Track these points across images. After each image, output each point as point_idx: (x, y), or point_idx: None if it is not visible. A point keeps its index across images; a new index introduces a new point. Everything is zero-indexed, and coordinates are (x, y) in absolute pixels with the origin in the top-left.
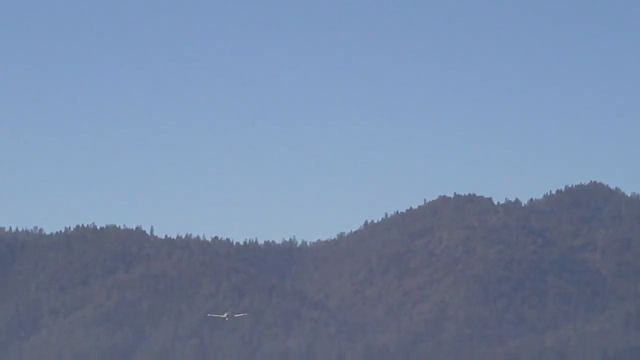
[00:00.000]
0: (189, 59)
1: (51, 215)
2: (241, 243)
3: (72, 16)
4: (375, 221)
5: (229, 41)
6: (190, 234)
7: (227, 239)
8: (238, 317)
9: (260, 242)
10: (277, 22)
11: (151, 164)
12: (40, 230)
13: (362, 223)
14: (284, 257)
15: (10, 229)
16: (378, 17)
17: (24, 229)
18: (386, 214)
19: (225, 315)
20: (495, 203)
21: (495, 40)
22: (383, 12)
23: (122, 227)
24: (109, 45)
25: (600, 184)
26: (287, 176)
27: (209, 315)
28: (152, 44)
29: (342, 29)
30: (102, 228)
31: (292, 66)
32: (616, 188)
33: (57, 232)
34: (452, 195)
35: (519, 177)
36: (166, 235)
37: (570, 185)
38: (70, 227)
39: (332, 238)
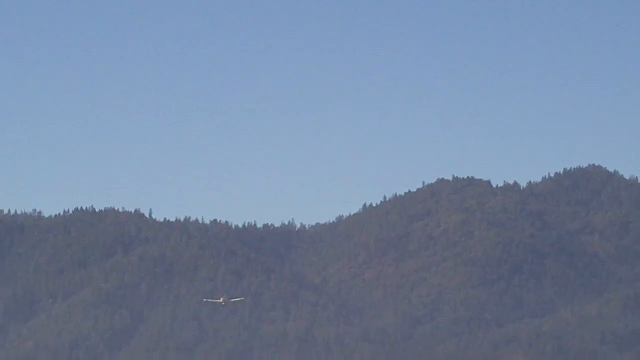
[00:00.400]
0: (188, 46)
1: (50, 198)
2: (240, 226)
3: (71, 15)
4: (374, 204)
5: (230, 28)
6: (189, 217)
7: (226, 222)
8: (235, 301)
9: (259, 225)
10: (281, 15)
11: (150, 147)
12: (39, 213)
13: (360, 206)
14: (282, 240)
15: (9, 211)
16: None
17: (23, 211)
18: (385, 197)
19: (221, 300)
20: (494, 186)
21: (494, 24)
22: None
23: (120, 210)
24: (114, 32)
25: (599, 167)
26: (286, 159)
27: (205, 300)
28: (155, 28)
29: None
30: (100, 211)
31: (291, 54)
32: (615, 171)
33: (56, 215)
34: (450, 179)
35: (518, 160)
36: (165, 219)
37: (568, 169)
38: (69, 210)
39: (331, 221)
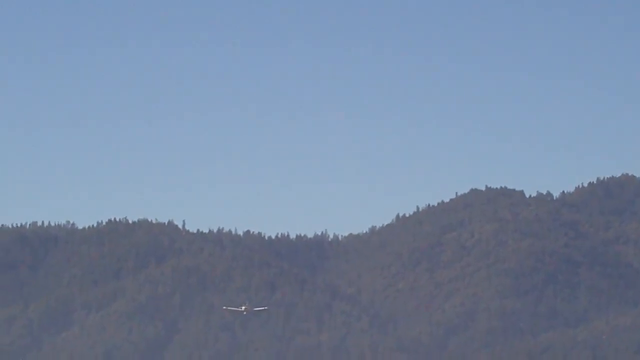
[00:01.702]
0: (207, 55)
1: (84, 209)
2: (273, 237)
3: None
4: (407, 214)
5: (247, 36)
6: (222, 228)
7: (259, 233)
8: (258, 310)
9: (292, 236)
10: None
11: (183, 159)
12: (73, 224)
13: (393, 216)
14: (315, 250)
15: (43, 223)
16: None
17: (57, 223)
18: (418, 207)
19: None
20: (527, 196)
21: (523, 32)
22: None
23: (154, 221)
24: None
25: (632, 176)
26: (319, 170)
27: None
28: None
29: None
30: (134, 222)
31: (318, 58)
32: None
33: (89, 227)
34: (483, 188)
35: (551, 170)
36: (198, 229)
37: (602, 178)
38: (102, 222)
39: (364, 232)
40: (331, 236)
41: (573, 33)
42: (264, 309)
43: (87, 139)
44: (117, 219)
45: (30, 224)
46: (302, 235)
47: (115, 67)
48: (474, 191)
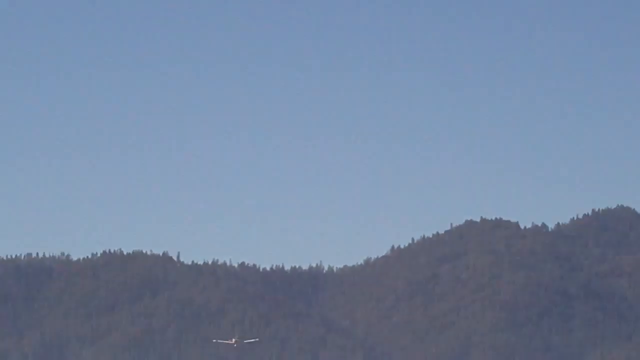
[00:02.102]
0: (214, 83)
1: (78, 241)
2: (267, 269)
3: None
4: (402, 246)
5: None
6: (217, 260)
7: (254, 265)
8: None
9: (287, 267)
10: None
11: (178, 190)
12: (68, 256)
13: (388, 248)
14: (310, 283)
15: (38, 254)
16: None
17: (52, 255)
18: (412, 239)
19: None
20: (522, 227)
21: (519, 66)
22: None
23: (148, 253)
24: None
25: (628, 208)
26: (313, 202)
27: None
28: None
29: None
30: (128, 254)
31: (318, 86)
32: None
33: (84, 258)
34: (478, 220)
35: (546, 202)
36: (193, 261)
37: (597, 210)
38: (97, 253)
39: (359, 263)
40: (326, 268)
41: (567, 64)
42: (255, 341)
43: (82, 171)
44: (112, 251)
45: (25, 256)
46: (297, 267)
47: (107, 97)
48: (469, 223)
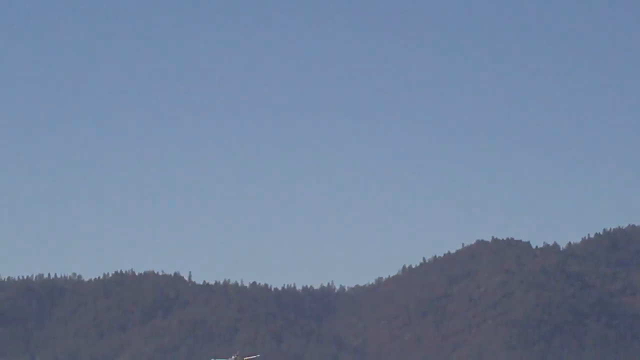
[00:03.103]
0: (231, 105)
1: (90, 261)
2: (279, 288)
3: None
4: (413, 266)
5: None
6: (229, 280)
7: (265, 285)
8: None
9: (299, 287)
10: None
11: (189, 211)
12: (79, 276)
13: (400, 268)
14: (322, 302)
15: (49, 275)
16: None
17: (63, 275)
18: (424, 259)
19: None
20: (534, 247)
21: (528, 86)
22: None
23: (160, 273)
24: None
25: (639, 227)
26: (325, 222)
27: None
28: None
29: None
30: (140, 274)
31: (335, 107)
32: None
33: (95, 279)
34: (490, 240)
35: (557, 221)
36: (204, 281)
37: (608, 229)
38: (108, 273)
39: (371, 283)
40: (337, 287)
41: (578, 83)
42: (256, 357)
43: (94, 192)
44: (124, 271)
45: (37, 276)
46: (309, 286)
47: (122, 123)
48: (480, 242)
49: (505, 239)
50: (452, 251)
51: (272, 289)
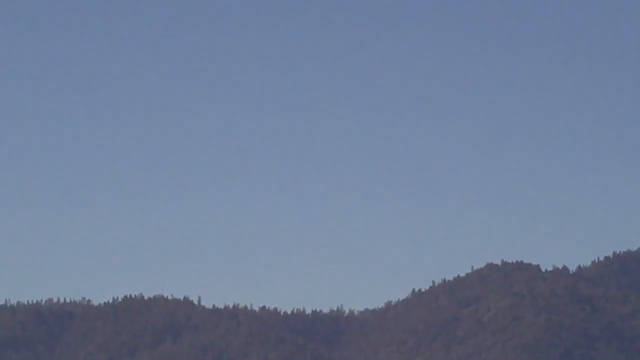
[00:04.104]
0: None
1: (99, 286)
2: (288, 312)
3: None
4: (423, 289)
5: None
6: (238, 304)
7: (275, 309)
8: None
9: (308, 311)
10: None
11: (198, 235)
12: (88, 301)
13: (409, 291)
14: (331, 326)
15: (58, 299)
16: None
17: (72, 300)
18: (433, 282)
19: None
20: (543, 270)
21: (532, 104)
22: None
23: (169, 298)
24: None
25: None
26: (333, 245)
27: None
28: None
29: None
30: (149, 298)
31: (343, 132)
32: None
33: (104, 303)
34: (499, 263)
35: (567, 244)
36: (213, 305)
37: (618, 252)
38: (117, 298)
39: (380, 307)
40: (347, 311)
41: (588, 104)
42: None
43: (102, 216)
44: (133, 296)
45: (45, 301)
46: (318, 310)
47: (128, 143)
48: (489, 265)
49: (514, 262)
50: (462, 274)
51: (282, 312)
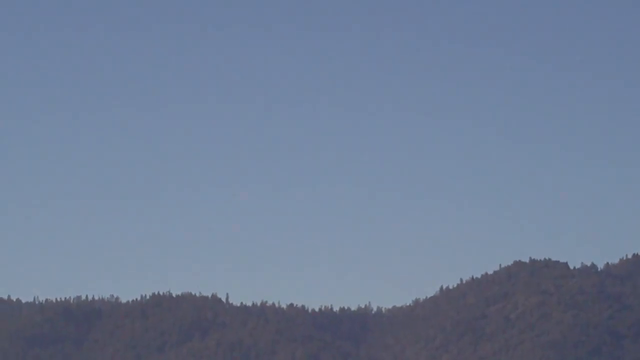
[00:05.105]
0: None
1: (127, 283)
2: (316, 310)
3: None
4: (451, 287)
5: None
6: (266, 301)
7: (302, 306)
8: None
9: (336, 308)
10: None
11: (226, 232)
12: (117, 298)
13: (437, 289)
14: (359, 323)
15: (87, 297)
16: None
17: (101, 297)
18: (461, 280)
19: None
20: (571, 268)
21: (565, 99)
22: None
23: (197, 295)
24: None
25: None
26: (362, 242)
27: None
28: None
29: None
30: (177, 296)
31: (364, 128)
32: None
33: (133, 300)
34: (527, 260)
35: (595, 242)
36: (241, 303)
37: None
38: (146, 295)
39: (408, 304)
40: (374, 309)
41: (616, 104)
42: None
43: (131, 214)
44: (161, 293)
45: (74, 298)
46: (346, 308)
47: (156, 143)
48: (517, 263)
49: (542, 259)
50: (490, 272)
51: (309, 310)
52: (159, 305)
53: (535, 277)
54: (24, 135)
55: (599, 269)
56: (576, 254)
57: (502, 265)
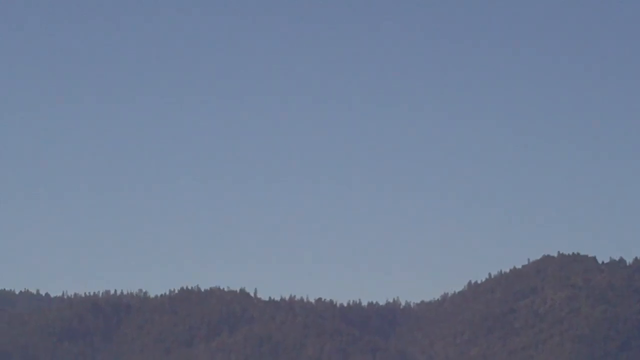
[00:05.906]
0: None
1: (156, 278)
2: (345, 304)
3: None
4: (479, 281)
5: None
6: (294, 296)
7: (331, 301)
8: None
9: (364, 303)
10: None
11: (255, 227)
12: (145, 293)
13: (465, 283)
14: (387, 318)
15: (116, 292)
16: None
17: (129, 292)
18: (490, 274)
19: None
20: (600, 262)
21: (591, 96)
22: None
23: (226, 289)
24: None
25: None
26: (390, 237)
27: None
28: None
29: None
30: (206, 290)
31: (396, 124)
32: None
33: (161, 295)
34: (556, 255)
35: (624, 236)
36: (270, 297)
37: None
38: (174, 290)
39: (436, 299)
40: (403, 303)
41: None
42: None
43: (160, 209)
44: (189, 288)
45: (103, 293)
46: (374, 302)
47: (186, 144)
48: (546, 257)
49: (571, 254)
50: (518, 266)
51: (338, 305)
52: (187, 300)
53: (564, 271)
54: (54, 131)
55: (627, 263)
56: (605, 248)
57: (531, 260)
